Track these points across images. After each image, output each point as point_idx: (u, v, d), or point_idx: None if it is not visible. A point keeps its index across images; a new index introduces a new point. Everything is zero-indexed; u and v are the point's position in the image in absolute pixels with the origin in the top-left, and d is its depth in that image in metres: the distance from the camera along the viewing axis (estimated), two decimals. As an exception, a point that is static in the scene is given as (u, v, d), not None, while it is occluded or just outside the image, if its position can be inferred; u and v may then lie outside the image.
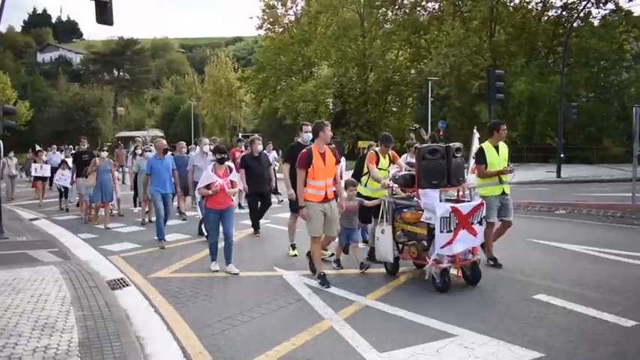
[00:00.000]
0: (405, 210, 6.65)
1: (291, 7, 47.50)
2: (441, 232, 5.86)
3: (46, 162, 16.98)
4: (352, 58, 43.56)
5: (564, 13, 35.85)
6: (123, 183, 19.52)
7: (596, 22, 35.11)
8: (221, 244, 7.33)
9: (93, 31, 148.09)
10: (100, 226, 11.45)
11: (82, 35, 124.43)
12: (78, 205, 14.06)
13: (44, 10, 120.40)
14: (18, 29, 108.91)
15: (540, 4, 37.01)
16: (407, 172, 6.86)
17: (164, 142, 10.26)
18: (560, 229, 10.15)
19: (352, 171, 8.82)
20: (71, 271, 7.03)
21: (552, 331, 4.71)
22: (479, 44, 35.36)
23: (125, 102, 76.44)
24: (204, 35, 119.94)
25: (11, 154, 18.47)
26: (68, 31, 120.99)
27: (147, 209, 11.86)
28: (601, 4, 33.87)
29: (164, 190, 9.46)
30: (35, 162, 16.92)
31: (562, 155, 22.65)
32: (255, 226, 10.02)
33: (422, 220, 6.21)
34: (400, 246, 6.63)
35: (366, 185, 7.46)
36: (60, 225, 11.97)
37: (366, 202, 7.20)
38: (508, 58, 35.31)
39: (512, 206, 7.27)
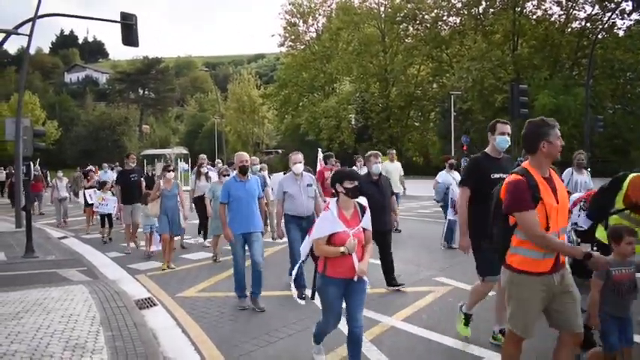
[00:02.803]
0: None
1: (313, 24, 48.14)
2: None
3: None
4: (374, 74, 43.76)
5: (588, 24, 35.56)
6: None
7: (621, 33, 34.75)
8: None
9: (118, 51, 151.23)
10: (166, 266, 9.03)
11: (107, 55, 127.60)
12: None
13: (71, 32, 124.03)
14: (46, 50, 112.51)
15: (563, 16, 36.80)
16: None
17: (244, 155, 6.85)
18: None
19: None
20: (100, 290, 7.13)
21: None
22: (501, 57, 35.24)
23: (150, 120, 77.69)
24: (227, 53, 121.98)
25: (60, 173, 16.85)
26: (94, 51, 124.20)
27: (216, 247, 9.68)
28: (626, 15, 33.51)
29: (247, 229, 6.49)
30: (87, 185, 14.68)
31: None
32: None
33: None
34: None
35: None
36: (88, 243, 12.14)
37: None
38: (531, 71, 35.07)
39: None
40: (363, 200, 4.26)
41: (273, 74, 65.01)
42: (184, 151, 47.57)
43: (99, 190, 12.65)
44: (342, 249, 3.98)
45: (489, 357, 4.60)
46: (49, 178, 26.45)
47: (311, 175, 7.26)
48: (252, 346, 5.12)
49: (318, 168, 11.98)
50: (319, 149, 13.89)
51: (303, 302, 6.01)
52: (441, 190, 10.27)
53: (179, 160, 39.98)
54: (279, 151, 50.47)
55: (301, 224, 6.80)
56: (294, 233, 6.81)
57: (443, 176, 10.45)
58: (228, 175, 9.03)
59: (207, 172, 11.33)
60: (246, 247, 6.56)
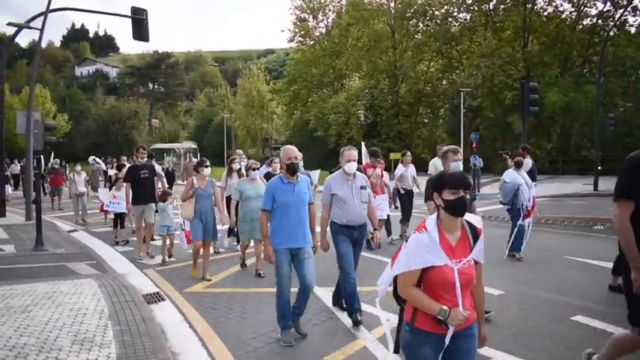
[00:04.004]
0: None
1: (322, 19, 48.00)
2: None
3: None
4: (383, 70, 43.60)
5: (599, 21, 35.18)
6: None
7: (632, 30, 34.40)
8: None
9: (129, 46, 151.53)
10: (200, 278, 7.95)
11: (118, 49, 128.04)
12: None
13: (82, 26, 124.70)
14: (57, 44, 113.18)
15: (574, 13, 36.45)
16: None
17: (294, 150, 5.52)
18: (598, 246, 9.88)
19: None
20: (108, 284, 7.18)
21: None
22: (512, 54, 35.01)
23: (160, 114, 77.93)
24: (237, 48, 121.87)
25: (78, 167, 16.06)
26: (105, 45, 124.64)
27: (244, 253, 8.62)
28: (638, 12, 33.16)
29: (296, 243, 5.24)
30: (112, 182, 12.87)
31: (599, 167, 22.12)
32: None
33: None
34: None
35: None
36: (97, 237, 12.22)
37: None
38: (542, 69, 34.80)
39: None
40: (475, 219, 2.93)
41: (283, 69, 64.97)
42: (193, 145, 47.77)
43: (112, 187, 11.57)
44: (439, 312, 2.66)
45: (496, 356, 4.58)
46: (67, 172, 26.65)
47: (364, 176, 6.13)
48: (260, 342, 5.15)
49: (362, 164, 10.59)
50: (362, 143, 12.81)
51: (357, 331, 5.41)
52: (510, 192, 9.02)
53: (188, 154, 40.14)
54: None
55: (352, 235, 5.75)
56: (344, 246, 5.70)
57: (511, 175, 9.06)
58: (258, 169, 8.46)
59: (240, 169, 10.02)
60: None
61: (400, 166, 11.50)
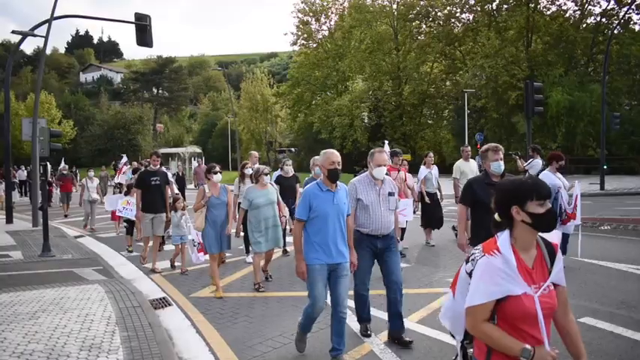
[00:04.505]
0: None
1: (325, 22, 48.01)
2: None
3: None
4: (387, 72, 43.61)
5: (603, 20, 35.08)
6: None
7: (637, 28, 34.37)
8: None
9: (133, 51, 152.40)
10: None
11: (122, 55, 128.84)
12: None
13: (86, 32, 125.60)
14: (62, 51, 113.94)
15: (578, 12, 36.40)
16: None
17: (335, 154, 4.79)
18: (605, 247, 9.86)
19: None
20: (115, 290, 7.20)
21: (599, 358, 4.58)
22: (515, 54, 34.93)
23: (164, 119, 78.20)
24: (240, 52, 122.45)
25: (91, 173, 15.42)
26: (109, 51, 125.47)
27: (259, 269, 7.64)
28: (642, 10, 33.09)
29: (334, 258, 4.67)
30: (128, 189, 11.53)
31: (605, 166, 22.04)
32: None
33: None
34: None
35: None
36: (104, 242, 12.26)
37: None
38: (546, 68, 34.69)
39: None
40: (553, 235, 2.38)
41: (286, 73, 65.00)
42: (198, 149, 47.86)
43: (126, 193, 11.24)
44: (522, 352, 2.13)
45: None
46: (78, 178, 26.72)
47: (393, 182, 5.48)
48: (267, 347, 5.15)
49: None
50: (386, 142, 12.36)
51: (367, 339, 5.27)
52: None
53: (193, 158, 40.23)
54: (292, 149, 50.46)
55: (375, 245, 5.22)
56: (365, 262, 5.20)
57: (549, 177, 8.23)
58: (267, 175, 7.75)
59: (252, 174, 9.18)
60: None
61: (423, 167, 10.75)
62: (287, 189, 9.14)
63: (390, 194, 5.25)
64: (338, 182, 4.76)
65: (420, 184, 10.47)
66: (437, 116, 45.84)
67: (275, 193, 7.83)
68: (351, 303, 6.37)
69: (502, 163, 5.07)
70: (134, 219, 10.14)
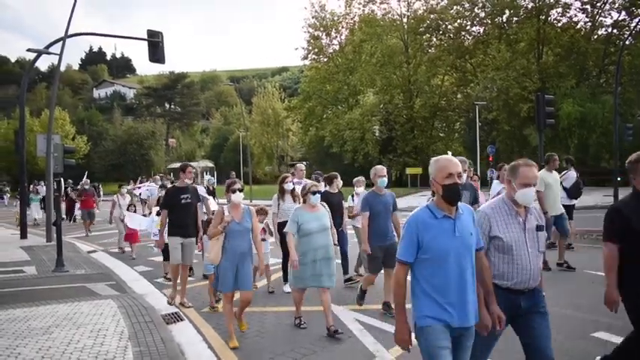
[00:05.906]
0: None
1: (336, 36, 48.28)
2: None
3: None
4: (397, 85, 43.69)
5: (615, 31, 34.97)
6: None
7: (649, 39, 34.13)
8: None
9: (145, 67, 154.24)
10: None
11: (135, 71, 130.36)
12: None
13: (100, 49, 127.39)
14: (75, 67, 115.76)
15: (589, 23, 36.31)
16: None
17: (455, 161, 3.24)
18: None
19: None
20: (128, 305, 7.24)
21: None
22: (526, 67, 34.90)
23: (176, 134, 78.87)
24: (251, 67, 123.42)
25: (124, 190, 14.32)
26: (122, 67, 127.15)
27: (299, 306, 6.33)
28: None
29: (454, 318, 3.10)
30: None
31: (619, 178, 21.82)
32: None
33: None
34: None
35: None
36: (116, 257, 12.33)
37: None
38: (557, 80, 34.59)
39: None
40: None
41: (297, 87, 65.43)
42: (210, 164, 48.15)
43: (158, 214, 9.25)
44: None
45: (517, 374, 4.51)
46: (101, 193, 26.62)
47: (538, 209, 3.91)
48: (278, 362, 5.14)
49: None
50: (449, 152, 11.85)
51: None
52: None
53: (205, 173, 40.44)
54: (304, 163, 50.62)
55: (518, 304, 3.78)
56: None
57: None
58: (319, 193, 6.22)
59: (294, 189, 8.10)
60: None
61: (496, 182, 9.45)
62: (335, 207, 7.77)
63: (539, 228, 3.63)
64: (460, 204, 3.20)
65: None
66: (448, 129, 45.77)
67: (327, 217, 6.23)
68: (361, 317, 6.39)
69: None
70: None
